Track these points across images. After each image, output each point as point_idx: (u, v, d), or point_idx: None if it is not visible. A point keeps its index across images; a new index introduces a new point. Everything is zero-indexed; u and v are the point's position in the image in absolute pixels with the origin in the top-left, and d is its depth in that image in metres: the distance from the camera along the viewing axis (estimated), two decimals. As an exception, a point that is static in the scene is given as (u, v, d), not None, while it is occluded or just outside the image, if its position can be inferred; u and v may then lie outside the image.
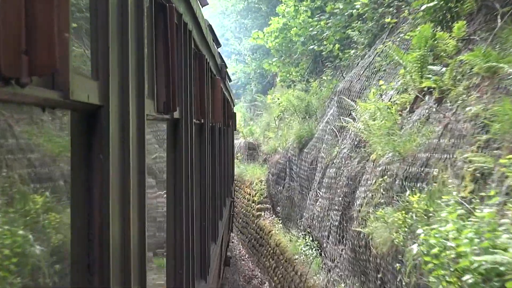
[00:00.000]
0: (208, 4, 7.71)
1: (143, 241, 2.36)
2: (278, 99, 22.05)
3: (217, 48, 8.67)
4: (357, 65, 14.12)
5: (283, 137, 18.06)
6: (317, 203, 11.85)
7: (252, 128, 27.92)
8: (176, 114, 3.68)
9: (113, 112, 1.94)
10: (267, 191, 18.77)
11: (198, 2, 5.12)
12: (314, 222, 12.06)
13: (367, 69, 12.32)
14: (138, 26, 2.39)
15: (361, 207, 8.22)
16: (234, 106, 18.51)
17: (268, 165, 19.66)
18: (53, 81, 1.42)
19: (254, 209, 19.39)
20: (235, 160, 23.48)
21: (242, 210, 21.67)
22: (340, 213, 9.80)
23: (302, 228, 13.26)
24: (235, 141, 26.14)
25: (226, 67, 10.64)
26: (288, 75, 23.76)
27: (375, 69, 11.91)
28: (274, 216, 17.69)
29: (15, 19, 1.20)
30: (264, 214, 18.45)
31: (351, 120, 10.26)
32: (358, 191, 8.85)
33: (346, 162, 10.07)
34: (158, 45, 3.05)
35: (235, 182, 20.78)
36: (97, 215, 1.81)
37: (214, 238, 7.45)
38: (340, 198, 9.84)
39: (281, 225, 16.07)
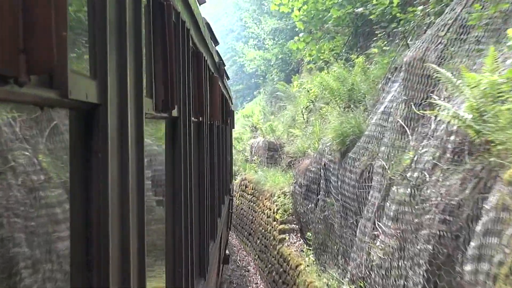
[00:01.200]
0: (205, 2, 7.70)
1: (142, 239, 2.36)
2: (309, 85, 17.38)
3: (215, 46, 8.67)
4: (428, 27, 10.13)
5: (314, 135, 14.42)
6: (377, 243, 7.45)
7: (273, 125, 23.10)
8: (174, 113, 3.68)
9: (112, 110, 1.94)
10: (293, 207, 14.65)
11: (196, 0, 5.12)
12: (372, 274, 7.49)
13: (450, 29, 8.29)
14: (136, 24, 2.38)
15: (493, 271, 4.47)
16: (232, 104, 18.45)
17: (294, 172, 15.12)
18: (51, 80, 1.42)
19: (275, 230, 15.21)
20: (251, 165, 21.57)
21: (260, 228, 17.41)
22: (428, 271, 5.78)
23: (349, 276, 8.71)
24: (252, 140, 24.04)
25: (224, 65, 10.63)
26: (319, 54, 18.24)
27: (466, 26, 7.93)
28: (302, 241, 13.66)
29: (13, 17, 1.20)
30: (289, 238, 14.38)
31: (447, 105, 6.28)
32: (473, 237, 5.02)
33: (434, 179, 6.16)
34: (156, 44, 3.05)
35: (254, 194, 18.55)
36: (95, 213, 1.81)
37: (213, 236, 7.46)
38: (430, 246, 5.77)
39: (312, 257, 11.80)
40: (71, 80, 1.48)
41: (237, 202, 21.90)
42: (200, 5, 6.16)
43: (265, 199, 17.38)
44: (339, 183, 10.11)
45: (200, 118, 5.83)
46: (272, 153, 20.93)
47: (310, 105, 17.63)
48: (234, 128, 19.52)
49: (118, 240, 2.00)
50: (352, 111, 11.65)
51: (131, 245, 2.13)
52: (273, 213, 15.70)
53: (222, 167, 10.89)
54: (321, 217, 11.31)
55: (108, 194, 1.85)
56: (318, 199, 11.85)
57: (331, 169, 10.91)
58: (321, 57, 17.94)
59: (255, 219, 18.59)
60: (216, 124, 8.70)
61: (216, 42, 8.87)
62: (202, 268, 5.76)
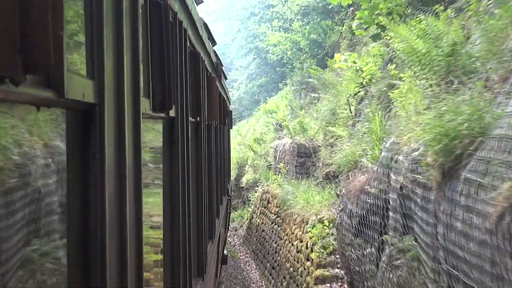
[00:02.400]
0: (203, 2, 7.70)
1: (140, 239, 2.36)
2: (361, 59, 12.17)
3: (213, 46, 8.66)
4: None
5: (372, 135, 9.68)
6: None
7: (305, 122, 17.84)
8: (171, 113, 3.67)
9: (109, 110, 1.93)
10: (338, 245, 10.43)
11: (193, 0, 5.12)
12: None
13: None
14: (133, 24, 2.38)
15: None
16: (230, 104, 18.42)
17: (341, 193, 10.29)
18: (48, 79, 1.42)
19: (309, 274, 11.15)
20: (276, 176, 17.61)
21: (288, 265, 13.26)
22: None
23: None
24: (277, 142, 19.67)
25: (221, 65, 10.62)
26: (373, 16, 12.14)
27: None
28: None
29: (9, 17, 1.20)
30: (330, 289, 10.19)
31: None
32: None
33: None
34: (153, 44, 3.05)
35: (279, 214, 14.90)
36: (93, 213, 1.81)
37: (211, 236, 7.45)
38: None
39: None
40: (68, 80, 1.47)
41: (258, 220, 18.60)
42: (197, 5, 6.16)
43: (294, 225, 13.22)
44: (440, 229, 5.59)
45: (198, 118, 5.83)
46: (303, 160, 16.07)
47: (360, 91, 12.64)
48: (232, 128, 19.47)
49: (115, 241, 1.99)
50: (456, 91, 6.63)
51: (129, 246, 2.12)
52: (306, 248, 11.69)
53: (220, 167, 10.89)
54: (391, 276, 7.01)
55: (105, 194, 1.84)
56: (382, 240, 7.62)
57: (418, 198, 6.27)
58: (376, 20, 11.96)
59: (281, 249, 14.43)
60: (214, 124, 8.70)
61: (213, 42, 8.86)
62: (200, 268, 5.76)
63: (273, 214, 16.23)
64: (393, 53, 10.91)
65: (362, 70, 12.68)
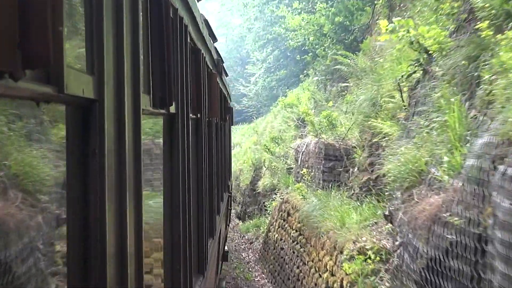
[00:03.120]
0: (204, -2, 7.69)
1: (140, 236, 2.36)
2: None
3: (213, 42, 8.66)
4: None
5: (450, 132, 6.68)
6: None
7: (333, 116, 14.49)
8: (172, 109, 3.67)
9: (109, 106, 1.93)
10: None
11: (194, -4, 5.11)
12: None
13: None
14: (133, 20, 2.38)
15: None
16: (230, 101, 18.39)
17: (397, 219, 7.41)
18: (48, 75, 1.41)
19: None
20: (298, 184, 14.65)
21: None
22: None
23: None
24: (299, 141, 16.79)
25: (222, 61, 10.61)
26: None
27: None
28: None
29: (9, 12, 1.20)
30: None
31: None
32: None
33: None
34: (154, 40, 3.04)
35: (302, 231, 12.27)
36: (93, 210, 1.81)
37: (212, 233, 7.46)
38: None
39: None
40: (68, 75, 1.47)
41: (276, 235, 15.50)
42: (198, 1, 6.15)
43: (323, 250, 10.45)
44: None
45: (198, 114, 5.83)
46: (332, 164, 13.09)
47: (417, 70, 9.18)
48: (232, 124, 19.43)
49: (115, 237, 1.99)
50: None
51: (128, 242, 2.12)
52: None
53: (221, 164, 10.89)
54: None
55: (105, 190, 1.84)
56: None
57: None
58: None
59: (305, 278, 11.62)
60: (214, 121, 8.70)
61: (214, 39, 8.86)
62: (200, 265, 5.76)
63: (294, 231, 13.25)
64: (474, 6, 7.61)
65: (419, 41, 8.71)
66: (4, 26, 1.17)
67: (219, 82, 9.18)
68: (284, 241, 14.41)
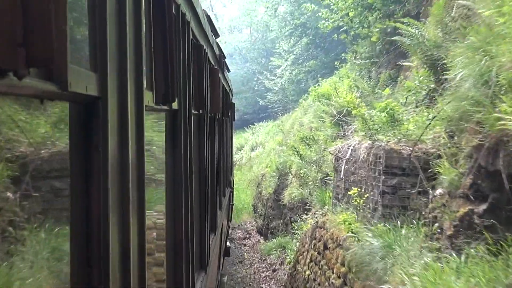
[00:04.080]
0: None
1: (142, 233, 2.36)
2: None
3: (215, 38, 8.65)
4: None
5: None
6: None
7: (396, 108, 9.94)
8: (175, 105, 3.67)
9: (112, 103, 1.93)
10: None
11: (196, -8, 5.10)
12: None
13: None
14: (136, 16, 2.38)
15: None
16: (232, 96, 18.38)
17: None
18: (51, 73, 1.42)
19: None
20: (345, 214, 9.03)
21: None
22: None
23: None
24: (340, 144, 11.59)
25: (224, 57, 10.61)
26: None
27: None
28: None
29: (12, 10, 1.20)
30: None
31: None
32: None
33: None
34: (156, 36, 3.04)
35: (349, 282, 7.58)
36: (96, 207, 1.81)
37: (214, 228, 7.47)
38: None
39: None
40: (71, 73, 1.47)
41: (307, 271, 11.73)
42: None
43: None
44: None
45: (201, 110, 5.83)
46: (398, 181, 8.76)
47: None
48: (234, 120, 19.41)
49: (118, 234, 2.00)
50: None
51: (131, 239, 2.13)
52: None
53: (223, 160, 10.90)
54: None
55: (108, 186, 1.85)
56: None
57: None
58: None
59: None
60: (216, 116, 8.70)
61: (216, 35, 8.86)
62: (202, 260, 5.77)
63: (335, 276, 9.43)
64: None
65: None
66: (7, 24, 1.17)
67: (221, 78, 9.19)
68: (319, 285, 10.44)
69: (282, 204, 17.94)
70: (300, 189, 15.98)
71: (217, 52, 8.66)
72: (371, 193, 9.26)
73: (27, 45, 1.23)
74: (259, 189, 23.06)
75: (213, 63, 7.69)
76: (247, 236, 22.72)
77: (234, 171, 27.03)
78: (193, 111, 4.78)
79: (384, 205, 8.80)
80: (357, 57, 19.04)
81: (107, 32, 1.89)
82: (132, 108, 2.23)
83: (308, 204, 14.70)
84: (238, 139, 36.90)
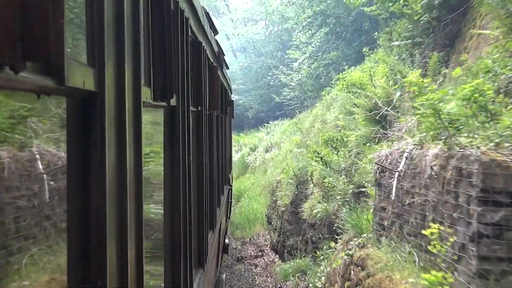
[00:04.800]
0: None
1: (140, 228, 2.36)
2: None
3: (214, 35, 8.65)
4: None
5: None
6: None
7: (486, 87, 6.63)
8: (173, 102, 3.67)
9: (109, 99, 1.93)
10: None
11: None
12: None
13: None
14: (134, 12, 2.37)
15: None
16: (231, 94, 18.36)
17: None
18: (48, 67, 1.41)
19: None
20: (436, 275, 5.75)
21: None
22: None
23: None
24: (388, 149, 8.02)
25: (223, 54, 10.60)
26: None
27: None
28: None
29: (10, 5, 1.19)
30: None
31: None
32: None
33: None
34: (155, 32, 3.04)
35: None
36: (94, 201, 1.81)
37: (212, 225, 7.47)
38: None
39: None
40: (68, 68, 1.47)
41: None
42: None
43: None
44: None
45: (199, 107, 5.82)
46: (503, 217, 5.49)
47: None
48: (233, 117, 19.39)
49: (115, 230, 1.99)
50: None
51: (129, 234, 2.13)
52: None
53: (222, 157, 10.90)
54: None
55: (105, 182, 1.84)
56: None
57: None
58: None
59: None
60: (215, 114, 8.69)
61: (215, 32, 8.84)
62: (201, 258, 5.77)
63: None
64: None
65: None
66: (5, 18, 1.17)
67: (219, 75, 9.18)
68: None
69: (302, 218, 14.84)
70: (324, 203, 12.62)
71: (216, 49, 8.66)
72: (451, 230, 5.99)
73: (25, 39, 1.23)
74: (274, 198, 19.79)
75: (211, 60, 7.68)
76: (260, 253, 19.31)
77: (247, 175, 26.97)
78: (191, 108, 4.77)
79: (482, 256, 5.47)
80: (394, 39, 15.66)
81: (104, 27, 1.88)
82: (129, 103, 2.22)
83: (335, 224, 11.30)
84: (251, 139, 35.76)
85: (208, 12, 7.23)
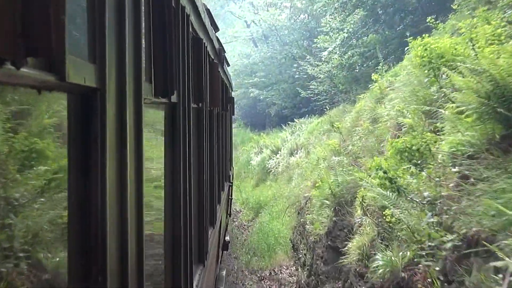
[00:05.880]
0: (206, -13, 7.65)
1: (140, 224, 2.36)
2: None
3: (215, 32, 8.64)
4: None
5: None
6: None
7: None
8: (173, 98, 3.67)
9: (110, 95, 1.93)
10: None
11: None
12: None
13: None
14: (135, 8, 2.37)
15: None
16: (232, 91, 18.40)
17: None
18: (49, 63, 1.41)
19: None
20: None
21: None
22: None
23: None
24: None
25: (224, 51, 10.59)
26: None
27: None
28: None
29: (11, 1, 1.19)
30: None
31: None
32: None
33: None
34: (156, 29, 3.04)
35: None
36: (94, 198, 1.81)
37: (212, 222, 7.47)
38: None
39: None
40: (69, 64, 1.47)
41: None
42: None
43: None
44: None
45: (200, 104, 5.82)
46: None
47: None
48: (234, 114, 19.39)
49: (116, 226, 2.00)
50: None
51: (129, 231, 2.13)
52: None
53: (222, 154, 10.90)
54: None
55: (106, 179, 1.84)
56: None
57: None
58: None
59: None
60: (216, 110, 8.69)
61: (216, 29, 8.84)
62: (201, 254, 5.78)
63: None
64: None
65: None
66: (6, 14, 1.17)
67: (220, 71, 9.18)
68: None
69: (343, 256, 9.81)
70: (388, 250, 7.58)
71: (216, 46, 8.65)
72: None
73: (26, 35, 1.23)
74: (301, 219, 14.83)
75: (212, 57, 7.68)
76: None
77: (269, 182, 23.66)
78: (192, 104, 4.77)
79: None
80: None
81: (106, 23, 1.88)
82: (130, 100, 2.22)
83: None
84: (273, 139, 30.57)
85: (209, 9, 7.23)
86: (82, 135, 1.80)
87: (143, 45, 2.53)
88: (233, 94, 16.68)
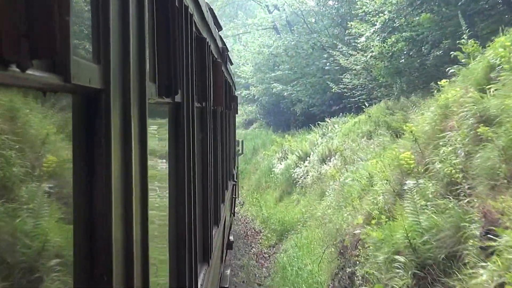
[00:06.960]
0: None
1: (145, 224, 2.36)
2: None
3: (218, 31, 8.64)
4: None
5: None
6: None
7: None
8: (177, 98, 3.67)
9: (115, 96, 1.93)
10: None
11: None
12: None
13: None
14: (139, 9, 2.37)
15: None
16: (235, 89, 18.41)
17: None
18: (54, 65, 1.41)
19: None
20: None
21: None
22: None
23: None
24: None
25: (227, 50, 10.59)
26: None
27: None
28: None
29: (15, 2, 1.19)
30: None
31: None
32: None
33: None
34: (159, 29, 3.04)
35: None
36: (99, 199, 1.81)
37: (217, 221, 7.48)
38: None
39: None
40: (74, 65, 1.47)
41: None
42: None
43: None
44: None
45: (203, 103, 5.82)
46: None
47: None
48: (237, 113, 19.40)
49: (121, 226, 2.00)
50: None
51: (134, 232, 2.13)
52: None
53: (226, 153, 10.90)
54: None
55: (111, 180, 1.85)
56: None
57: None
58: None
59: None
60: (219, 109, 8.69)
61: (219, 28, 8.84)
62: (205, 253, 5.78)
63: None
64: None
65: None
66: (10, 15, 1.17)
67: (224, 70, 9.17)
68: None
69: None
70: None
71: (220, 45, 8.65)
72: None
73: (30, 37, 1.23)
74: (347, 266, 10.64)
75: (216, 56, 7.68)
76: None
77: (295, 195, 20.19)
78: (196, 104, 4.78)
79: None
80: None
81: (110, 24, 1.89)
82: (135, 100, 2.23)
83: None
84: (300, 143, 25.81)
85: (212, 8, 7.23)
86: (87, 136, 1.80)
87: (147, 45, 2.53)
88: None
